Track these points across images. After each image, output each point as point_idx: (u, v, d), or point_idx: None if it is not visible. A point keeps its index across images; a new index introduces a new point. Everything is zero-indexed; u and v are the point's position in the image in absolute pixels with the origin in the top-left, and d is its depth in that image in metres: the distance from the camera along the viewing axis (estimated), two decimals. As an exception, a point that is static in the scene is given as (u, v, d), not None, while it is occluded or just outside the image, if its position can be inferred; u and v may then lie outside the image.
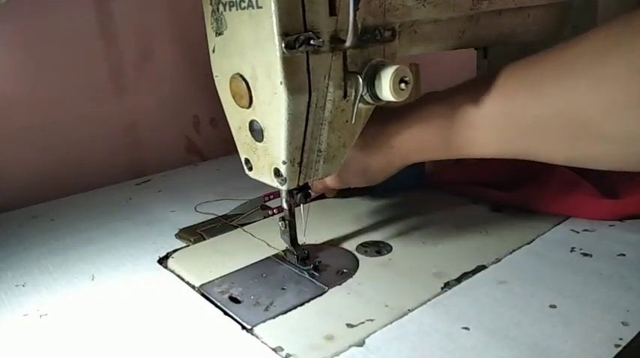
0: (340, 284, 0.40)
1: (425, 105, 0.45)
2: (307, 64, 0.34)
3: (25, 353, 0.35)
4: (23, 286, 0.44)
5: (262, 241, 0.48)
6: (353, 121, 0.37)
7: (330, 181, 0.50)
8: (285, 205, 0.41)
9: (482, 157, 0.43)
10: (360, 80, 0.35)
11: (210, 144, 0.84)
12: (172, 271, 0.45)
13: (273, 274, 0.42)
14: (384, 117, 0.45)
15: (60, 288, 0.43)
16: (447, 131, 0.43)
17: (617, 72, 0.34)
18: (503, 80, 0.40)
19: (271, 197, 0.56)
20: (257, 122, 0.37)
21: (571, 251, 0.42)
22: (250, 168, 0.41)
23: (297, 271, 0.42)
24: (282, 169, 0.37)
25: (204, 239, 0.50)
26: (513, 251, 0.43)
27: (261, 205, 0.55)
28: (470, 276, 0.40)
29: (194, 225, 0.53)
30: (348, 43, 0.33)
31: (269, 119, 0.36)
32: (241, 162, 0.41)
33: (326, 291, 0.39)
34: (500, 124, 0.40)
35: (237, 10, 0.34)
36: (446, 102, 0.43)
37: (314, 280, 0.40)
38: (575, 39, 0.38)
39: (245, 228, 0.51)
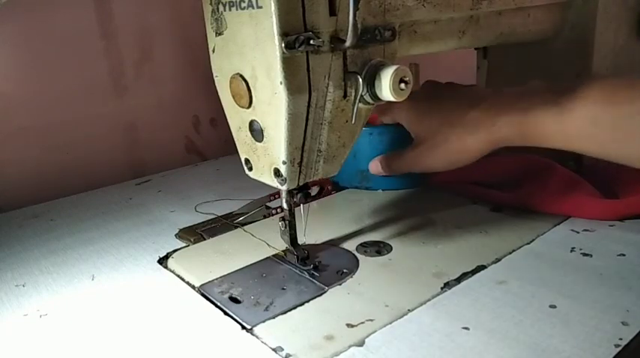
0: (340, 284, 0.40)
1: (535, 94, 0.46)
2: (307, 64, 0.34)
3: (25, 353, 0.35)
4: (23, 286, 0.44)
5: (262, 241, 0.48)
6: (353, 121, 0.37)
7: (405, 165, 0.51)
8: (285, 205, 0.41)
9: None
10: (360, 80, 0.35)
11: (210, 144, 0.84)
12: (172, 271, 0.45)
13: (273, 274, 0.42)
14: (484, 96, 0.47)
15: (60, 288, 0.43)
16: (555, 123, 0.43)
17: None
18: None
19: (276, 196, 0.55)
20: (257, 122, 0.37)
21: (571, 251, 0.42)
22: (250, 168, 0.41)
23: (297, 271, 0.42)
24: (282, 169, 0.37)
25: (204, 239, 0.50)
26: (513, 251, 0.43)
27: (264, 205, 0.55)
28: (470, 276, 0.40)
29: (194, 225, 0.53)
30: (348, 43, 0.33)
31: (269, 119, 0.36)
32: (241, 162, 0.41)
33: (326, 291, 0.39)
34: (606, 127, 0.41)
35: (237, 10, 0.34)
36: (558, 97, 0.44)
37: (314, 280, 0.40)
38: None
39: (245, 228, 0.51)
